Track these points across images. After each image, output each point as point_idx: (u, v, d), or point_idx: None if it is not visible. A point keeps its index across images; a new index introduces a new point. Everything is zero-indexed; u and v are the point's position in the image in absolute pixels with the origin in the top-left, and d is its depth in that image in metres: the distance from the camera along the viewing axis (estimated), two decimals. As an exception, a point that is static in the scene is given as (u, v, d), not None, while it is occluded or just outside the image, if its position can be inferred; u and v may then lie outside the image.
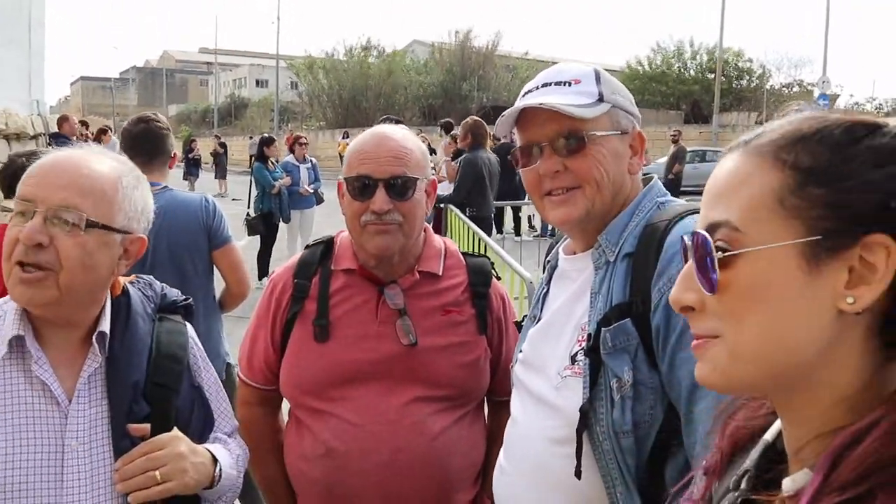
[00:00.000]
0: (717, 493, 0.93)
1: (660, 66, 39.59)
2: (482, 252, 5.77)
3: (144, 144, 3.33)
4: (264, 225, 10.13)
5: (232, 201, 18.72)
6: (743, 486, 0.88)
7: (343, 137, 29.82)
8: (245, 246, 12.15)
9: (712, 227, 0.81)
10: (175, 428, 1.54)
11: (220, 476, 1.59)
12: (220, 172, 25.97)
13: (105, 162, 1.50)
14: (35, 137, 11.83)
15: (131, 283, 1.69)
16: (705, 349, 0.83)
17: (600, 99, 1.53)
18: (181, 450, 1.48)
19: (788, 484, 0.78)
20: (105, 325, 1.52)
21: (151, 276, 1.77)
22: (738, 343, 0.79)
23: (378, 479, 1.85)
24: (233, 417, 1.85)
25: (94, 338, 1.50)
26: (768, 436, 0.91)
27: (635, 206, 1.56)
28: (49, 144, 11.68)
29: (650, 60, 40.12)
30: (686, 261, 0.86)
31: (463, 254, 2.14)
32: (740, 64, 38.94)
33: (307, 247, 2.11)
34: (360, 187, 1.89)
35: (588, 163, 1.51)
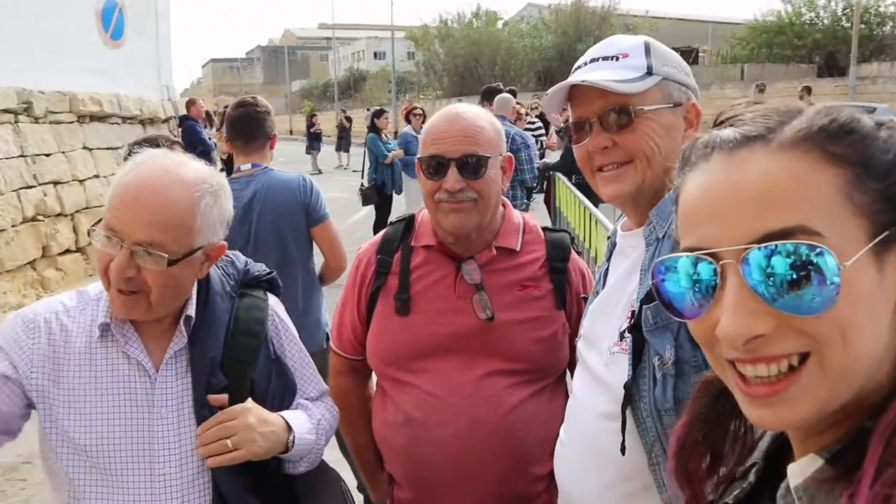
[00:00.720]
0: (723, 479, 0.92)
1: (790, 16, 37.06)
2: (588, 217, 5.72)
3: (243, 128, 3.54)
4: (378, 195, 10.41)
5: (352, 172, 19.28)
6: (751, 478, 0.88)
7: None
8: (364, 217, 12.55)
9: (779, 237, 0.70)
10: (249, 399, 1.66)
11: (294, 442, 1.70)
12: (342, 145, 26.61)
13: (186, 187, 1.56)
14: (166, 121, 12.63)
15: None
16: (793, 385, 0.71)
17: (649, 72, 1.51)
18: (250, 421, 1.61)
19: (795, 469, 0.77)
20: (191, 309, 1.67)
21: (236, 252, 1.90)
22: (841, 362, 0.70)
23: (453, 450, 1.92)
24: (320, 382, 1.95)
25: (181, 321, 1.66)
26: None
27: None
28: (179, 127, 12.42)
29: (778, 13, 37.60)
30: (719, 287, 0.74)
31: (543, 228, 2.16)
32: (882, 9, 35.92)
33: (390, 223, 2.19)
34: (433, 167, 1.94)
35: (637, 137, 1.50)
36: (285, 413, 1.75)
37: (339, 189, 17.77)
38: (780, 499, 0.77)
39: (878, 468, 0.67)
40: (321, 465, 1.93)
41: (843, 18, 34.96)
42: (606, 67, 1.54)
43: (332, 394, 2.25)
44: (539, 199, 10.53)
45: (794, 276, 0.68)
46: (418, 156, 2.01)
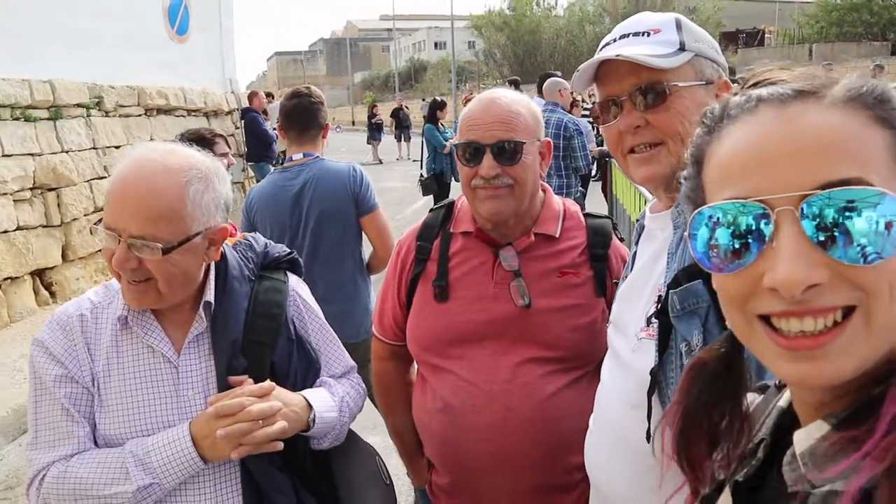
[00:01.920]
0: (734, 458, 0.92)
1: (862, -8, 35.46)
2: (644, 203, 5.63)
3: (296, 118, 3.60)
4: (437, 184, 10.45)
5: (413, 162, 19.40)
6: (760, 454, 0.87)
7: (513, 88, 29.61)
8: (423, 206, 12.64)
9: (838, 186, 0.69)
10: (268, 380, 1.70)
11: (315, 420, 1.74)
12: (402, 135, 26.65)
13: (171, 175, 1.58)
14: (230, 113, 12.91)
15: (235, 245, 1.86)
16: (838, 337, 0.70)
17: (682, 48, 1.46)
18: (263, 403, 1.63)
19: (801, 435, 0.77)
20: (210, 295, 1.73)
21: (256, 235, 1.95)
22: (883, 314, 0.70)
23: (489, 436, 1.92)
24: (346, 359, 2.00)
25: (200, 306, 1.71)
26: (782, 402, 0.89)
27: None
28: (241, 119, 12.68)
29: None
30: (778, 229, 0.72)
31: (585, 215, 2.14)
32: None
33: (431, 210, 2.20)
34: (470, 153, 1.94)
35: (671, 116, 1.44)
36: (306, 392, 1.78)
37: (398, 178, 17.89)
38: (785, 465, 0.77)
39: (890, 423, 0.68)
40: (356, 441, 1.97)
41: (922, -8, 33.30)
42: (638, 43, 1.48)
43: (375, 379, 2.30)
44: (597, 186, 10.40)
45: (855, 223, 0.68)
46: (455, 142, 2.01)
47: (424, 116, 11.48)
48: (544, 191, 2.11)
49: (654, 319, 1.45)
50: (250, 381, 1.68)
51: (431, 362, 2.05)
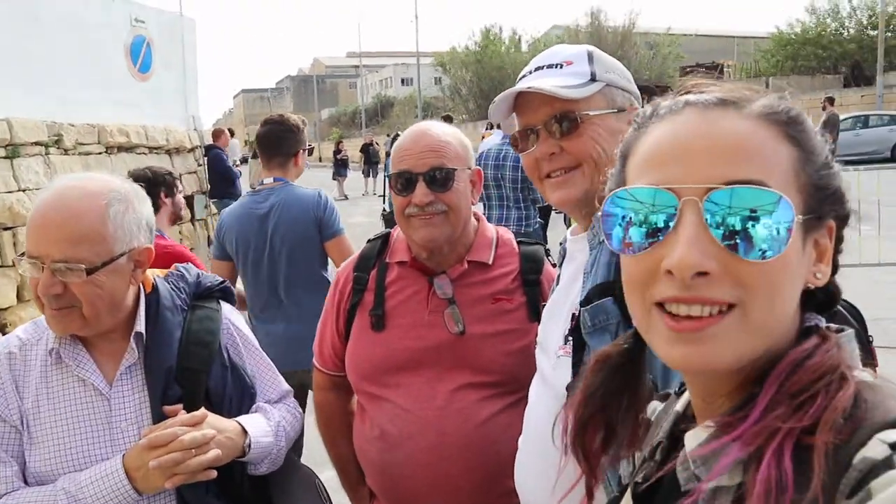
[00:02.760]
0: (637, 463, 0.96)
1: (814, 27, 36.65)
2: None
3: (265, 144, 3.75)
4: (399, 219, 10.49)
5: (378, 197, 19.46)
6: (657, 456, 0.91)
7: (487, 129, 29.99)
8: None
9: (741, 184, 0.76)
10: (203, 408, 1.70)
11: (250, 446, 1.75)
12: (370, 171, 26.64)
13: (91, 198, 1.63)
14: (192, 150, 12.88)
15: (166, 276, 1.88)
16: (719, 325, 0.76)
17: (593, 78, 1.54)
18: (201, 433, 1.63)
19: (690, 436, 0.82)
20: (140, 326, 1.73)
21: (188, 266, 1.98)
22: (764, 314, 0.76)
23: (425, 462, 1.94)
24: (281, 384, 2.03)
25: (131, 337, 1.72)
26: (679, 406, 0.94)
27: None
28: (204, 156, 12.67)
29: (803, 24, 37.23)
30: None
31: (518, 241, 2.19)
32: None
33: (368, 241, 2.24)
34: (402, 182, 1.99)
35: (584, 142, 1.52)
36: (241, 418, 1.79)
37: (364, 213, 17.92)
38: (679, 465, 0.82)
39: (767, 406, 0.74)
40: (294, 464, 1.97)
41: (869, 27, 34.52)
42: (551, 75, 1.56)
43: (316, 409, 2.31)
44: (560, 218, 10.51)
45: (750, 222, 0.74)
46: (388, 173, 2.06)
47: (387, 153, 11.58)
48: (477, 219, 2.17)
49: (569, 337, 1.50)
50: (183, 410, 1.69)
51: (369, 391, 2.07)
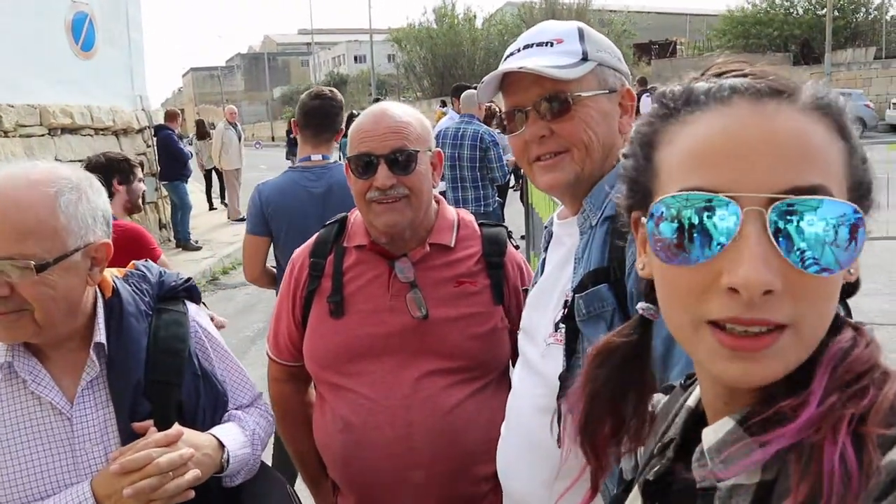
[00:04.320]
0: (642, 458, 0.93)
1: (763, 6, 37.28)
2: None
3: (315, 119, 3.56)
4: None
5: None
6: (670, 453, 0.88)
7: (440, 106, 29.89)
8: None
9: (806, 193, 0.69)
10: (176, 424, 1.55)
11: (229, 461, 1.62)
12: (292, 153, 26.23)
13: (37, 186, 1.44)
14: (141, 131, 12.52)
15: (125, 276, 1.72)
16: (775, 344, 0.70)
17: (584, 58, 1.48)
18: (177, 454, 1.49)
19: (709, 431, 0.78)
20: (101, 336, 1.55)
21: (149, 264, 1.80)
22: (812, 329, 0.72)
23: (392, 453, 1.88)
24: (252, 387, 1.89)
25: (91, 348, 1.54)
26: (691, 401, 0.90)
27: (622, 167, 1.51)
28: (154, 136, 12.33)
29: (753, 4, 37.87)
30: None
31: (480, 224, 2.13)
32: (855, -4, 36.26)
33: (323, 226, 2.16)
34: (363, 165, 1.91)
35: (575, 125, 1.46)
36: (216, 430, 1.67)
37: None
38: (694, 462, 0.78)
39: (823, 394, 0.70)
40: (265, 471, 1.87)
41: (818, 6, 35.23)
42: (542, 53, 1.49)
43: (272, 402, 2.23)
44: (516, 196, 10.51)
45: (816, 234, 0.68)
46: (347, 156, 1.98)
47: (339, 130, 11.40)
48: (438, 201, 2.10)
49: (561, 325, 1.45)
50: (154, 428, 1.54)
51: (330, 381, 2.00)
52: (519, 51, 1.54)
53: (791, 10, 36.80)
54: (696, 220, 0.72)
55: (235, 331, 4.22)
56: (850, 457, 0.65)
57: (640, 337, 0.93)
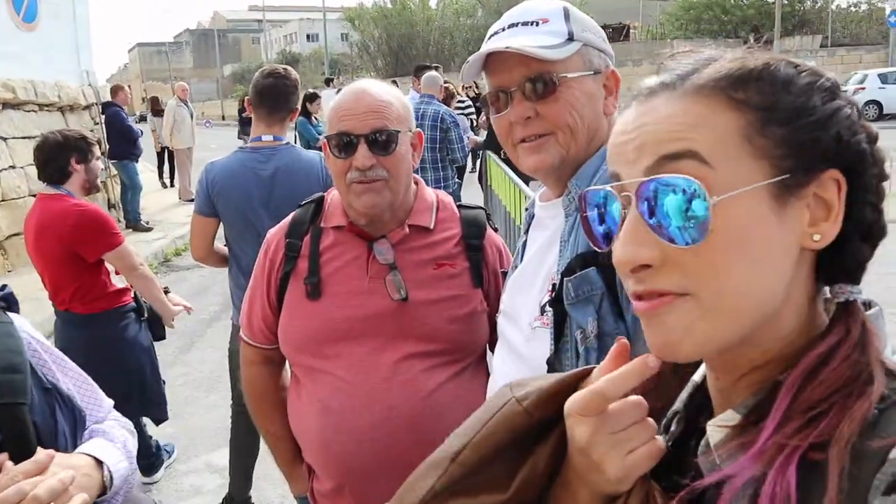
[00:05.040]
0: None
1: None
2: (519, 194, 5.70)
3: (269, 98, 3.45)
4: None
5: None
6: (673, 427, 0.87)
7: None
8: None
9: (671, 159, 0.73)
10: (40, 449, 1.35)
11: (112, 479, 1.46)
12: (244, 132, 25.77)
13: None
14: (87, 107, 12.14)
15: None
16: (671, 308, 0.74)
17: (570, 38, 1.44)
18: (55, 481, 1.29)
19: (714, 425, 0.78)
20: None
21: None
22: (716, 298, 0.73)
23: (371, 437, 1.86)
24: (104, 398, 1.69)
25: None
26: (697, 377, 0.89)
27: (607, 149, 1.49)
28: (102, 114, 11.96)
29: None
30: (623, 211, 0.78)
31: (458, 206, 2.11)
32: (802, -16, 37.07)
33: (299, 205, 2.11)
34: (342, 144, 1.86)
35: (560, 107, 1.43)
36: (87, 448, 1.47)
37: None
38: (700, 454, 0.79)
39: (780, 421, 0.71)
40: (136, 499, 1.67)
41: (767, -7, 35.90)
42: (527, 33, 1.45)
43: (245, 385, 2.18)
44: (473, 177, 10.50)
45: (673, 208, 0.72)
46: (325, 134, 1.93)
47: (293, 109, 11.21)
48: (416, 182, 2.07)
49: (548, 308, 1.43)
50: (9, 462, 1.31)
51: (306, 363, 1.96)
52: (504, 30, 1.50)
53: (742, -3, 37.47)
54: (597, 210, 0.83)
55: (190, 314, 4.16)
56: (788, 486, 0.67)
57: None
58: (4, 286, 1.56)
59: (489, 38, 1.52)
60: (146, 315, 3.91)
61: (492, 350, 2.07)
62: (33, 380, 1.43)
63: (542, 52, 1.40)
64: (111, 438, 1.56)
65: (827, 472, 0.66)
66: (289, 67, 3.64)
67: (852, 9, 37.99)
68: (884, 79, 23.72)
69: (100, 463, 1.44)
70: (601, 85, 1.50)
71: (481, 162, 9.18)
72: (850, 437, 0.67)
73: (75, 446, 1.47)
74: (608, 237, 0.81)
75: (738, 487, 0.71)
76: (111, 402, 1.70)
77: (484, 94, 1.57)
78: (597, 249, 0.85)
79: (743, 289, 0.73)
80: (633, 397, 0.83)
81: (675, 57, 0.84)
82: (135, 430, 1.70)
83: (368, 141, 1.84)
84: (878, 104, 23.23)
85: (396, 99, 1.93)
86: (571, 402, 0.83)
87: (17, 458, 1.30)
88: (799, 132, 0.74)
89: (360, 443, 1.87)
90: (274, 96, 3.45)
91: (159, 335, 4.03)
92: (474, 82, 20.08)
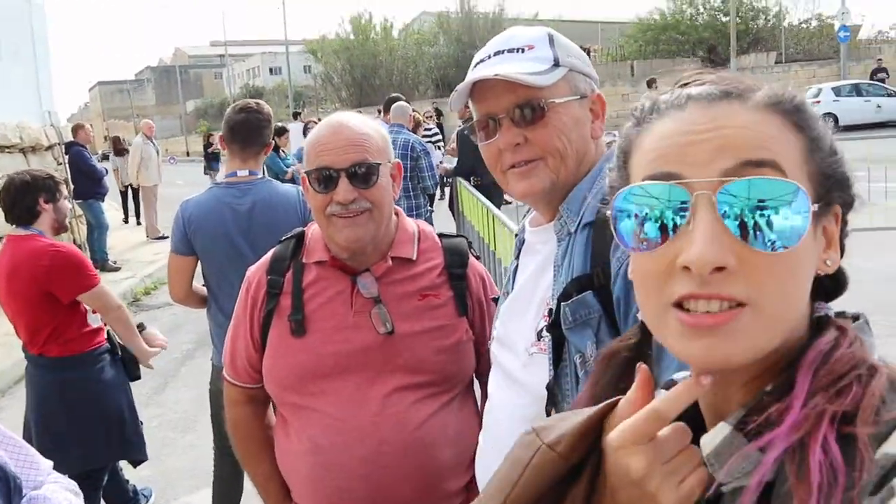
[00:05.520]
0: None
1: (672, 14, 38.75)
2: (491, 219, 5.72)
3: (241, 133, 3.42)
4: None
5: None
6: None
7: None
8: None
9: (754, 165, 0.75)
10: None
11: None
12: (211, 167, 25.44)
13: None
14: (50, 148, 11.98)
15: None
16: (736, 321, 0.74)
17: (556, 63, 1.46)
18: None
19: (707, 439, 0.80)
20: None
21: None
22: (776, 309, 0.75)
23: (363, 473, 1.83)
24: (40, 461, 1.60)
25: None
26: None
27: (597, 172, 1.48)
28: (65, 154, 11.81)
29: (661, 12, 39.34)
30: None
31: (440, 235, 2.10)
32: (755, 4, 38.03)
33: (279, 241, 2.08)
34: (322, 179, 1.85)
35: (549, 132, 1.44)
36: None
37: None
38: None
39: (808, 394, 0.73)
40: None
41: (721, 14, 36.80)
42: (514, 60, 1.47)
43: (230, 427, 2.14)
44: (443, 204, 10.53)
45: (766, 211, 0.73)
46: (304, 170, 1.92)
47: (267, 143, 11.17)
48: (396, 213, 2.06)
49: (545, 333, 1.43)
50: None
51: (293, 401, 1.93)
52: (490, 57, 1.51)
53: (696, 17, 38.32)
54: (651, 209, 0.78)
55: (163, 353, 4.07)
56: (834, 452, 0.68)
57: (640, 340, 0.95)
58: None
59: (475, 66, 1.53)
60: (120, 354, 3.83)
61: (478, 379, 2.07)
62: None
63: (530, 78, 1.41)
64: (57, 502, 1.48)
65: (853, 442, 0.68)
66: (261, 102, 3.63)
67: (804, 25, 39.03)
68: (837, 92, 24.38)
69: None
70: (587, 109, 1.51)
71: (451, 189, 9.22)
72: (873, 408, 0.70)
73: None
74: (656, 234, 0.78)
75: (773, 460, 0.72)
76: (50, 463, 1.61)
77: (472, 123, 1.58)
78: (628, 249, 0.81)
79: (795, 302, 0.77)
80: (678, 423, 0.81)
81: (701, 75, 0.87)
82: (80, 491, 1.61)
83: (349, 175, 1.84)
84: (834, 116, 23.85)
85: (375, 131, 1.93)
86: (622, 433, 0.80)
87: None
88: (832, 165, 0.81)
89: (352, 479, 1.84)
90: (247, 131, 3.43)
91: (134, 375, 3.95)
92: (435, 110, 20.20)
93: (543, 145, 1.45)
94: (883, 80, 25.64)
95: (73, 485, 1.62)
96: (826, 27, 37.16)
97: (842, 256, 0.86)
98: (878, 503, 0.64)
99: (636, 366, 0.88)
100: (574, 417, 0.85)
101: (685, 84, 0.87)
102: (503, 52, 1.49)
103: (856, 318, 0.83)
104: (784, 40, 35.67)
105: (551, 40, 1.49)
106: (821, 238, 0.81)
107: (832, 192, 0.81)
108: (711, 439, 0.79)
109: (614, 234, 0.83)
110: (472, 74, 1.48)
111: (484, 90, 1.48)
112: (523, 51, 1.48)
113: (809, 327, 0.81)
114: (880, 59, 28.52)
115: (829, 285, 0.86)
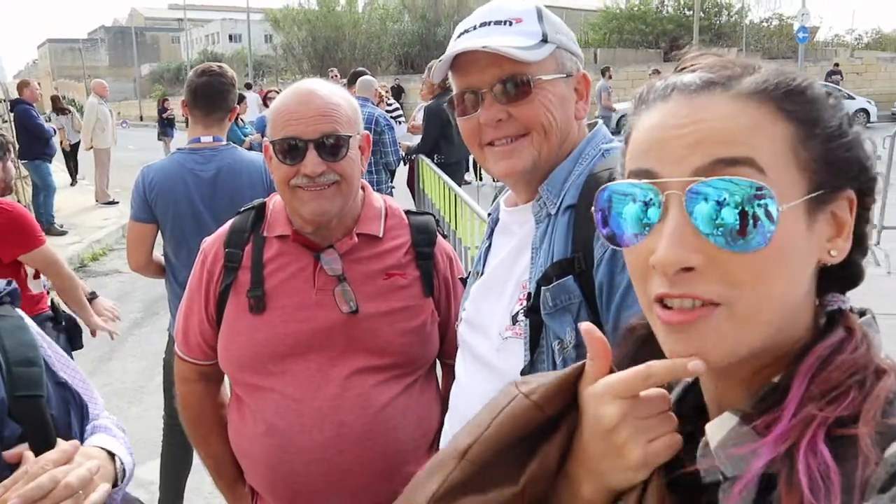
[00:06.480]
0: None
1: (638, 4, 39.06)
2: (453, 198, 5.66)
3: (204, 98, 3.28)
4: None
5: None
6: None
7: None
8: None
9: (727, 164, 0.72)
10: (60, 440, 1.37)
11: (124, 471, 1.46)
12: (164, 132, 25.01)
13: None
14: (-5, 104, 11.50)
15: None
16: (707, 319, 0.74)
17: (545, 39, 1.39)
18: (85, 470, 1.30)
19: (712, 428, 0.78)
20: None
21: None
22: (751, 309, 0.73)
23: (321, 457, 1.76)
24: (98, 396, 1.67)
25: None
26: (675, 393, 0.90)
27: (578, 154, 1.43)
28: (11, 112, 11.35)
29: (628, 1, 39.62)
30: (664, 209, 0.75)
31: (406, 212, 2.03)
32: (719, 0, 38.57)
33: (238, 213, 1.99)
34: (289, 150, 1.76)
35: (535, 109, 1.38)
36: (96, 441, 1.48)
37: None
38: (699, 456, 0.79)
39: (800, 401, 0.72)
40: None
41: (685, 8, 37.20)
42: (501, 32, 1.39)
43: (181, 404, 2.05)
44: (401, 181, 10.42)
45: (734, 213, 0.71)
46: (269, 139, 1.82)
47: (231, 108, 10.90)
48: (363, 188, 1.98)
49: (521, 317, 1.38)
50: (30, 452, 1.32)
51: (250, 381, 1.85)
52: (475, 28, 1.44)
53: (661, 9, 38.68)
54: (629, 206, 0.78)
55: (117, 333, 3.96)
56: (824, 457, 0.68)
57: None
58: (10, 282, 1.56)
59: (458, 37, 1.45)
60: (63, 323, 3.67)
61: (441, 361, 2.01)
62: (47, 374, 1.44)
63: (519, 52, 1.34)
64: (113, 434, 1.56)
65: (855, 443, 0.67)
66: (224, 65, 3.48)
67: (764, 24, 39.66)
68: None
69: (112, 456, 1.45)
70: (573, 88, 1.46)
71: (412, 165, 9.11)
72: (876, 411, 0.69)
73: (82, 441, 1.46)
74: (633, 231, 0.79)
75: (756, 470, 0.71)
76: (102, 403, 1.67)
77: (440, 97, 1.50)
78: (615, 248, 0.83)
79: (777, 300, 0.75)
80: (661, 390, 0.83)
81: (699, 58, 0.84)
82: (125, 427, 1.67)
83: (318, 146, 1.75)
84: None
85: (345, 100, 1.84)
86: (608, 382, 0.81)
87: (38, 450, 1.32)
88: (835, 150, 0.77)
89: (310, 463, 1.77)
90: (210, 96, 3.29)
91: (76, 345, 3.79)
92: (396, 86, 19.96)
93: (528, 121, 1.39)
94: (837, 83, 26.22)
95: (121, 422, 1.67)
96: (786, 27, 37.87)
97: (863, 244, 0.83)
98: (888, 500, 0.63)
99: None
100: (552, 373, 0.88)
101: (683, 68, 0.86)
102: (489, 23, 1.42)
103: (862, 313, 0.81)
104: (745, 37, 36.20)
105: (540, 15, 1.42)
106: (824, 227, 0.77)
107: (839, 177, 0.78)
108: (717, 429, 0.78)
109: (598, 228, 0.83)
110: (457, 45, 1.41)
111: (467, 63, 1.40)
112: (511, 24, 1.41)
113: (816, 322, 0.80)
114: (837, 64, 29.16)
115: (841, 275, 0.82)
